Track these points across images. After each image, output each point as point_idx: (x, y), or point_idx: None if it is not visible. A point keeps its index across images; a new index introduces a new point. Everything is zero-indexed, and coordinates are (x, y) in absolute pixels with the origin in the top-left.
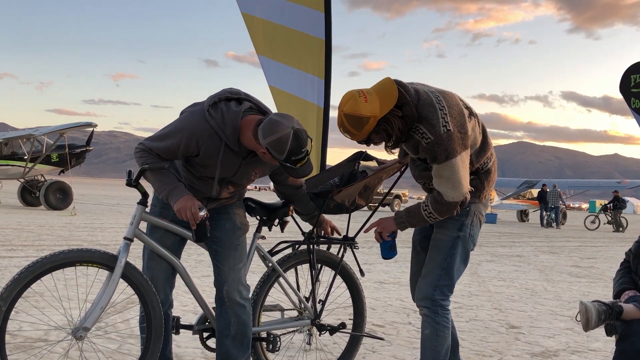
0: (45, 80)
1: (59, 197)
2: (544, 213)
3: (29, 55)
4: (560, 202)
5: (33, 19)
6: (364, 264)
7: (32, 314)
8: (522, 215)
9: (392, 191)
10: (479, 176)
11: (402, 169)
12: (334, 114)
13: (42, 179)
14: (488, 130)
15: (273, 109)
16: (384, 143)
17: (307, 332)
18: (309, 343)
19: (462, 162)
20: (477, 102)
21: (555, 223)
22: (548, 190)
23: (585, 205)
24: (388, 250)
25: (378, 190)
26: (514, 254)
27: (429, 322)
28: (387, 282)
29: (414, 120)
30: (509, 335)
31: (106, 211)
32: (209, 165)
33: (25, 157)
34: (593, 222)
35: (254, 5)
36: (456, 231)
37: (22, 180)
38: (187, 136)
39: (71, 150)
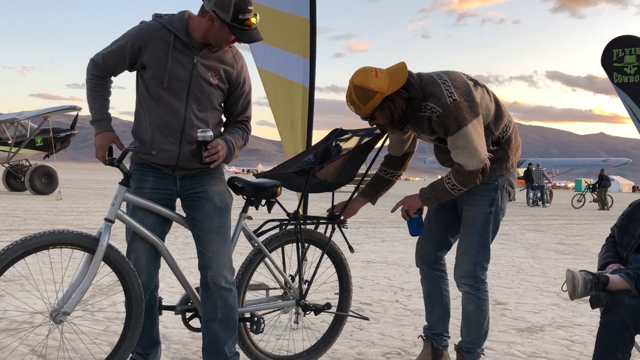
0: (28, 65)
1: (45, 182)
2: (530, 192)
3: (10, 40)
4: (546, 180)
5: (14, 3)
6: (352, 243)
7: (18, 297)
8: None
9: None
10: (501, 146)
11: (383, 141)
12: (318, 96)
13: (27, 164)
14: None
15: (257, 91)
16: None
17: (295, 311)
18: (296, 322)
19: (475, 130)
20: None
21: (541, 201)
22: (533, 169)
23: (571, 184)
24: (416, 227)
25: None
26: (501, 232)
27: (471, 299)
28: (375, 262)
29: (419, 100)
30: (495, 311)
31: (92, 195)
32: (160, 73)
33: (9, 141)
34: (579, 200)
35: None
36: (488, 207)
37: (6, 165)
38: (134, 33)
39: (56, 134)
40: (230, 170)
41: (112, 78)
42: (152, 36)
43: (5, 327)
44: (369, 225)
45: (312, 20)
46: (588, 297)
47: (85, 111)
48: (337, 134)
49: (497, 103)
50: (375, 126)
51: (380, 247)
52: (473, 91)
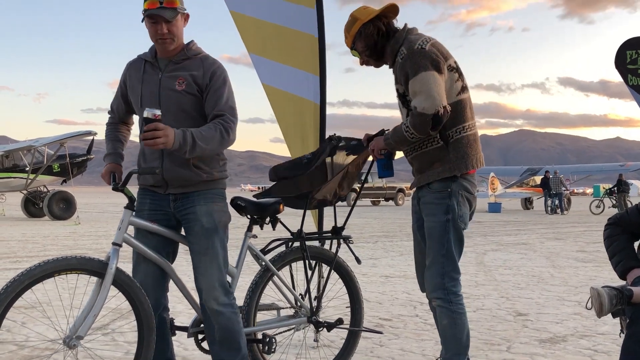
0: (42, 91)
1: (63, 207)
2: (548, 200)
3: (24, 68)
4: (564, 188)
5: (26, 32)
6: (370, 258)
7: (34, 325)
8: (527, 203)
9: (394, 185)
10: (447, 145)
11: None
12: (330, 111)
13: (45, 190)
14: (488, 119)
15: (268, 107)
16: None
17: (314, 329)
18: (316, 340)
19: (434, 78)
20: (475, 92)
21: (559, 209)
22: (551, 176)
23: (589, 190)
24: (382, 168)
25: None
26: (520, 241)
27: (444, 313)
28: (393, 276)
29: (399, 45)
30: (516, 322)
31: (110, 219)
32: (135, 96)
33: (27, 168)
34: (598, 206)
35: (243, 4)
36: (444, 215)
37: (24, 191)
38: (122, 74)
39: (72, 159)
40: (245, 189)
41: (128, 126)
42: (129, 69)
43: (24, 356)
44: (386, 239)
45: (320, 38)
46: None
47: (100, 136)
48: (332, 141)
49: (462, 105)
50: (360, 62)
51: (399, 261)
52: (445, 59)
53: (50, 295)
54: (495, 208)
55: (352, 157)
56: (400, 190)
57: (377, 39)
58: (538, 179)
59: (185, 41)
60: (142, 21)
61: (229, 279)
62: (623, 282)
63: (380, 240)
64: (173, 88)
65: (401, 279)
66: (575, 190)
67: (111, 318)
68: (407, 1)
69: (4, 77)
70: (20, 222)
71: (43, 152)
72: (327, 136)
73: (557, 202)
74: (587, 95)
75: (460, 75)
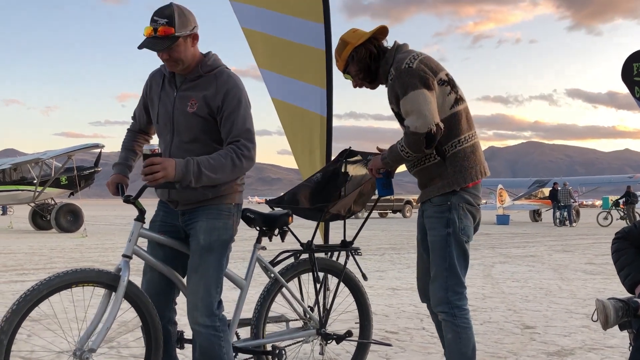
0: (51, 105)
1: (70, 220)
2: (557, 212)
3: (34, 81)
4: (572, 200)
5: (34, 45)
6: (376, 271)
7: (44, 337)
8: (535, 215)
9: (402, 197)
10: (445, 160)
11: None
12: (337, 123)
13: (53, 202)
14: (495, 131)
15: (275, 119)
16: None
17: (320, 342)
18: (321, 353)
19: (424, 96)
20: (482, 104)
21: (568, 221)
22: (559, 188)
23: (598, 202)
24: (382, 187)
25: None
26: (528, 254)
27: (449, 327)
28: (400, 289)
29: (389, 66)
30: (524, 335)
31: (117, 231)
32: (154, 112)
33: (35, 181)
34: (605, 218)
35: (254, 20)
36: (444, 228)
37: (32, 204)
38: (145, 83)
39: (80, 172)
40: (253, 201)
41: (147, 136)
42: (151, 81)
43: None
44: (393, 252)
45: (327, 52)
46: None
47: (107, 148)
48: (347, 155)
49: (456, 118)
50: (353, 85)
51: (406, 274)
52: (434, 74)
53: (55, 307)
54: (503, 220)
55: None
56: (408, 202)
57: (369, 62)
58: (546, 190)
59: (204, 51)
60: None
61: (232, 293)
62: (630, 295)
63: (387, 252)
64: (184, 110)
65: (408, 291)
66: (585, 203)
67: (116, 331)
68: (413, 13)
69: (13, 91)
70: (28, 234)
71: (51, 164)
72: (333, 148)
73: (565, 214)
74: (595, 107)
75: (453, 87)
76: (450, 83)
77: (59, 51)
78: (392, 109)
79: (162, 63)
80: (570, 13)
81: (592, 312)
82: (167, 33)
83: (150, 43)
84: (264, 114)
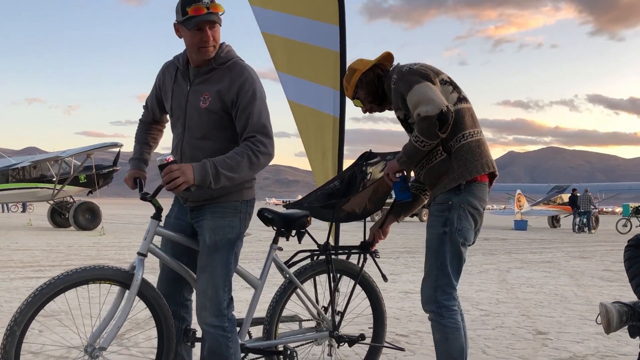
0: (73, 104)
1: (88, 218)
2: (576, 218)
3: (56, 80)
4: (592, 206)
5: (57, 45)
6: (390, 274)
7: (57, 332)
8: (554, 221)
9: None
10: (450, 155)
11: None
12: (356, 126)
13: (71, 200)
14: (515, 136)
15: (293, 121)
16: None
17: (328, 344)
18: (330, 354)
19: (428, 86)
20: (502, 109)
21: (587, 228)
22: (579, 194)
23: (619, 209)
24: (399, 192)
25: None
26: (544, 260)
27: (436, 327)
28: (413, 292)
29: (390, 75)
30: (536, 341)
31: (134, 230)
32: (168, 105)
33: (54, 179)
34: (624, 225)
35: (273, 25)
36: (441, 227)
37: (51, 202)
38: (158, 73)
39: (98, 170)
40: (270, 202)
41: (160, 126)
42: (164, 72)
43: None
44: (408, 255)
45: (342, 53)
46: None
47: (126, 148)
48: (367, 157)
49: (460, 114)
50: (363, 111)
51: (419, 277)
52: (436, 75)
53: (69, 304)
54: (521, 226)
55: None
56: (425, 206)
57: (377, 85)
58: (565, 197)
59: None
60: (176, 32)
61: (245, 293)
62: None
63: (402, 255)
64: (197, 105)
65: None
66: (604, 209)
67: (127, 328)
68: (434, 16)
69: (36, 90)
70: (46, 231)
71: (70, 163)
72: (351, 151)
73: (585, 220)
74: (617, 113)
75: (455, 88)
76: (452, 84)
77: (80, 51)
78: (398, 117)
79: (179, 54)
80: (593, 18)
81: (596, 316)
82: (217, 10)
83: (209, 16)
84: (282, 116)
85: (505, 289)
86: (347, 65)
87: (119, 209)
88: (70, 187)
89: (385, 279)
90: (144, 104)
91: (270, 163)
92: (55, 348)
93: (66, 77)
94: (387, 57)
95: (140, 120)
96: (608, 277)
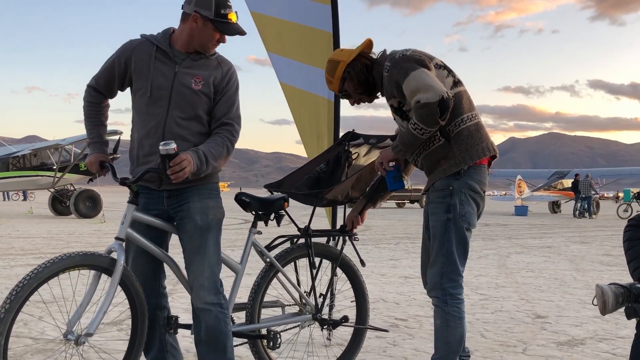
0: (73, 92)
1: (89, 205)
2: (578, 203)
3: (56, 69)
4: (593, 191)
5: (56, 33)
6: (390, 259)
7: (45, 321)
8: (554, 207)
9: (419, 187)
10: (449, 141)
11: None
12: (356, 113)
13: (72, 188)
14: (516, 122)
15: (285, 105)
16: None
17: (326, 328)
18: (328, 338)
19: (425, 73)
20: (503, 95)
21: (587, 213)
22: (580, 179)
23: (620, 194)
24: (393, 181)
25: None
26: (544, 245)
27: (439, 313)
28: (412, 277)
29: (383, 63)
30: (535, 325)
31: None
32: (143, 83)
33: (54, 167)
34: (625, 210)
35: (262, 4)
36: (444, 214)
37: (52, 190)
38: (120, 50)
39: None
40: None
41: (109, 101)
42: (134, 50)
43: (38, 349)
44: (408, 241)
45: (335, 34)
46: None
47: (126, 135)
48: (350, 137)
49: (457, 98)
50: (351, 103)
51: (419, 263)
52: (431, 60)
53: (54, 291)
54: (521, 211)
55: (373, 157)
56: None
57: (367, 75)
58: (566, 182)
59: None
60: (192, 19)
61: (229, 275)
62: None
63: (402, 241)
64: (189, 86)
65: (420, 279)
66: (606, 195)
67: (126, 314)
68: (434, 2)
69: (36, 78)
70: (47, 219)
71: (70, 150)
72: (341, 134)
73: (585, 205)
74: (618, 99)
75: (450, 72)
76: (446, 68)
77: (81, 39)
78: (391, 105)
79: (148, 34)
80: (594, 3)
81: (592, 298)
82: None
83: (238, 27)
84: (282, 103)
85: (505, 273)
86: (341, 46)
87: (120, 196)
88: (71, 175)
89: (363, 264)
90: (91, 83)
91: (272, 150)
92: (39, 337)
93: (66, 66)
94: (369, 44)
95: (88, 101)
96: (608, 262)
